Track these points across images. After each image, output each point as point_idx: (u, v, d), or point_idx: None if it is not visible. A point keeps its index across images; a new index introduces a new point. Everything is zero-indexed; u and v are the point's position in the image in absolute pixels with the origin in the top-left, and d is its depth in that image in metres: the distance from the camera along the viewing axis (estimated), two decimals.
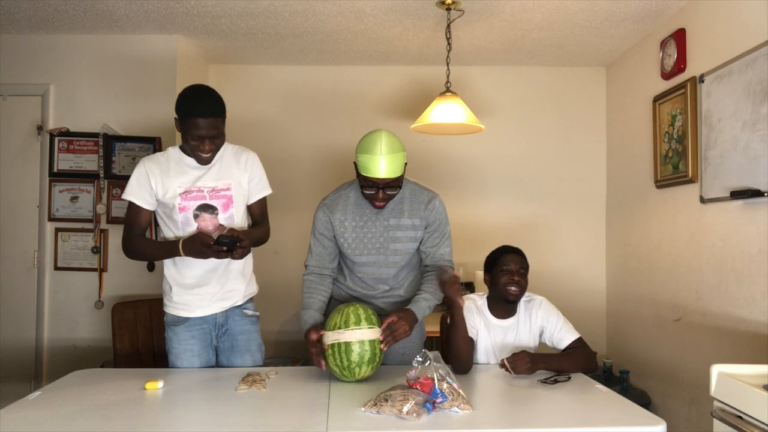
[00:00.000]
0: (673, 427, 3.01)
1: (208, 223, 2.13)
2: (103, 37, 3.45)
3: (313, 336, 1.95)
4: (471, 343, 2.14)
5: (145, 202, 2.14)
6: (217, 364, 2.28)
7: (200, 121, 2.01)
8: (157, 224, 2.29)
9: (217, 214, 2.14)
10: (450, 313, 2.12)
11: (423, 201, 2.17)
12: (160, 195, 2.12)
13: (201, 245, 1.99)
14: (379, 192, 2.04)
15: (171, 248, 2.08)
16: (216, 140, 2.08)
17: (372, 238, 2.15)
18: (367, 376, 1.95)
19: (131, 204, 2.14)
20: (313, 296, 2.15)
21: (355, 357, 1.87)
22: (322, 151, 4.04)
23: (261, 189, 2.27)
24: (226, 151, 2.21)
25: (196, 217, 2.12)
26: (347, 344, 1.88)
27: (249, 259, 2.28)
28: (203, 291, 2.17)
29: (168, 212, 2.15)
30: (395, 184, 2.04)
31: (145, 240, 2.22)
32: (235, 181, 2.18)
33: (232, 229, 2.06)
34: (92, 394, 1.84)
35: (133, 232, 2.16)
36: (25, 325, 3.39)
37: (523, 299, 2.26)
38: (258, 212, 2.29)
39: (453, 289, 2.04)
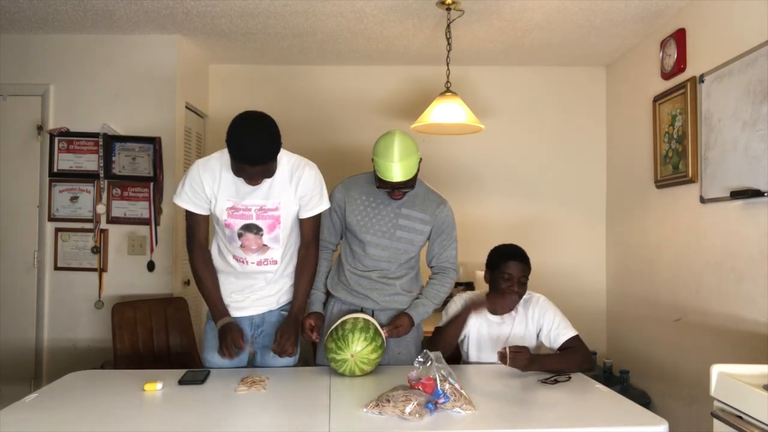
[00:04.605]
0: (673, 427, 2.99)
1: (251, 242, 2.08)
2: (103, 37, 3.45)
3: (311, 321, 2.19)
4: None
5: (200, 209, 2.08)
6: (251, 363, 2.25)
7: (247, 167, 1.88)
8: None
9: (261, 234, 2.07)
10: (460, 312, 2.26)
11: (435, 201, 2.30)
12: (212, 204, 2.06)
13: (223, 346, 2.06)
14: (393, 191, 2.18)
15: (214, 313, 2.14)
16: (265, 176, 1.96)
17: (381, 220, 2.24)
18: (361, 353, 1.98)
19: (187, 212, 2.09)
20: (319, 274, 2.28)
21: (348, 325, 2.04)
22: (321, 151, 4.01)
23: (315, 205, 2.13)
24: (282, 162, 2.06)
25: (240, 236, 2.07)
26: (342, 321, 2.08)
27: (292, 261, 2.23)
28: (247, 292, 2.18)
29: (216, 221, 2.11)
30: (410, 184, 2.15)
31: (206, 276, 2.14)
32: (285, 200, 2.06)
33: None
34: (90, 396, 1.83)
35: (195, 244, 2.13)
36: (25, 325, 3.39)
37: None
38: (309, 230, 2.17)
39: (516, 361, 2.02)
